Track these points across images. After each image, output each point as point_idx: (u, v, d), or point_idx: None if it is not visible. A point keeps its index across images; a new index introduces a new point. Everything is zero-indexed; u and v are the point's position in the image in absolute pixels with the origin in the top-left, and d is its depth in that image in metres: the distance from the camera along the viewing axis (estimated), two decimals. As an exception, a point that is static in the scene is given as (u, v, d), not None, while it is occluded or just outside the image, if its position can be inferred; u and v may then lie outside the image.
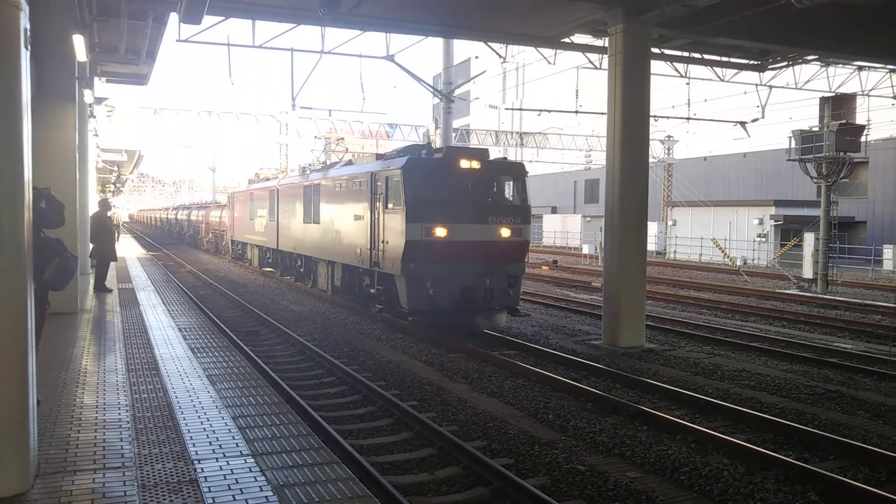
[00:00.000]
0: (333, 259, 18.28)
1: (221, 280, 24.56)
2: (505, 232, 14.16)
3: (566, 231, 53.08)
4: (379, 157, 16.66)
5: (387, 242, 14.30)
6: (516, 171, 15.06)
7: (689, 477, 6.97)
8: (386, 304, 15.41)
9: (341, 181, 17.40)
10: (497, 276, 14.14)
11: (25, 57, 4.67)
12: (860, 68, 23.57)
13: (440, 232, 13.58)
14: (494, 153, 16.08)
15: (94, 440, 5.62)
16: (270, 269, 26.68)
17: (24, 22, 4.64)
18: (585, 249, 43.07)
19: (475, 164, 14.24)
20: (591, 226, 47.41)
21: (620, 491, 6.65)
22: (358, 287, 16.85)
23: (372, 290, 15.72)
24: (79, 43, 11.14)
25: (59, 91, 12.16)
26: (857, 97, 25.84)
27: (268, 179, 28.34)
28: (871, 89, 25.92)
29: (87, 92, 16.71)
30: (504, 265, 14.26)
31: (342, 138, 29.65)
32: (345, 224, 16.94)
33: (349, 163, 19.89)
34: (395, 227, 13.94)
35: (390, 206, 14.24)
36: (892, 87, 25.94)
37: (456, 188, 14.11)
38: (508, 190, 15.00)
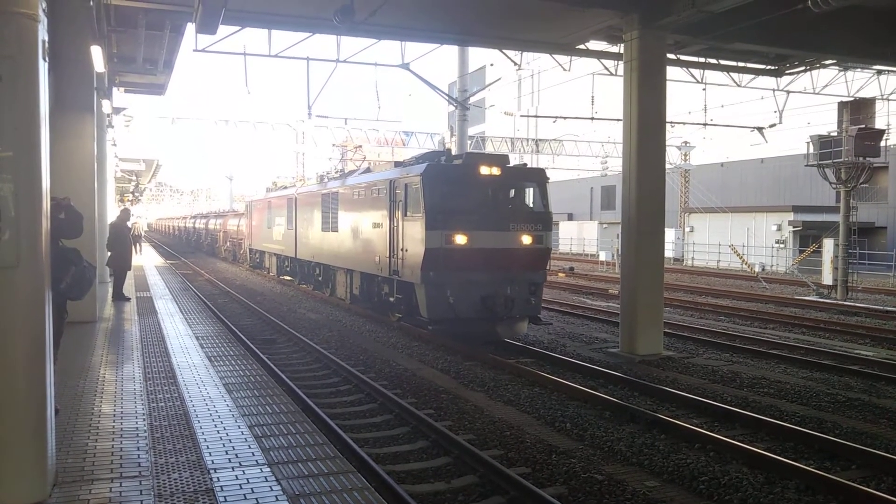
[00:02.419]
0: (352, 267, 18.19)
1: (239, 289, 24.68)
2: (526, 239, 13.98)
3: (582, 238, 52.94)
4: (397, 164, 16.53)
5: (406, 250, 14.16)
6: (537, 177, 14.84)
7: (708, 486, 6.90)
8: (405, 313, 15.28)
9: (360, 189, 17.33)
10: (518, 283, 13.94)
11: (44, 68, 4.71)
12: (879, 72, 23.37)
13: (460, 239, 13.43)
14: (510, 160, 16.01)
15: (111, 449, 5.63)
16: (288, 278, 26.75)
17: (43, 34, 4.67)
18: (602, 256, 42.91)
19: (495, 171, 14.07)
20: (608, 232, 47.23)
21: (638, 500, 6.59)
22: (377, 296, 16.72)
23: (391, 299, 15.57)
24: (97, 54, 11.26)
25: (77, 102, 12.27)
26: (877, 101, 25.59)
27: (285, 188, 28.43)
28: (891, 93, 25.71)
29: (105, 102, 16.88)
30: (525, 273, 14.05)
31: (360, 146, 29.62)
32: (363, 232, 16.86)
33: (367, 170, 19.83)
34: (414, 235, 13.82)
35: (409, 213, 14.11)
36: (912, 90, 25.69)
37: (476, 195, 13.95)
38: (529, 196, 14.81)
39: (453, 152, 22.91)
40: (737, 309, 20.78)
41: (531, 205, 14.74)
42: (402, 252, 14.35)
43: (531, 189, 14.79)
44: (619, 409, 9.49)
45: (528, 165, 18.63)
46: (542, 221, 14.35)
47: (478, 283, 13.61)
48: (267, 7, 13.73)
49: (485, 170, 13.99)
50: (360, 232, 17.17)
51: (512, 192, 14.62)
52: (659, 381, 11.32)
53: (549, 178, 15.05)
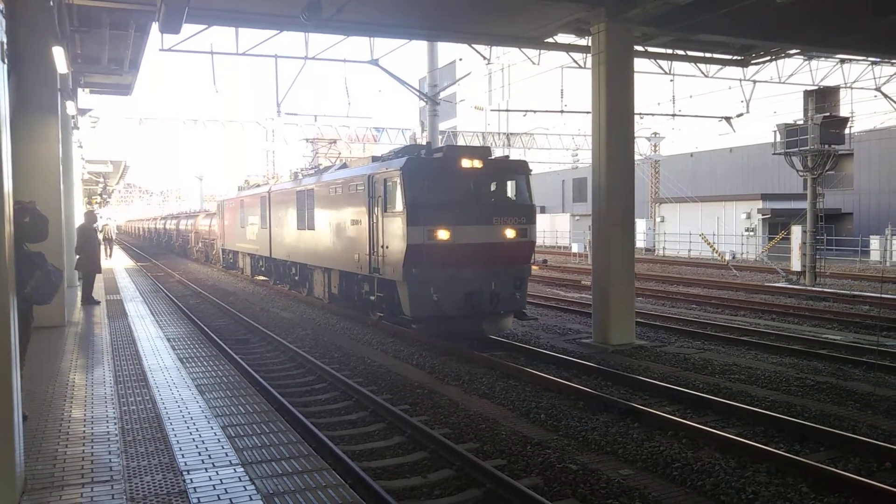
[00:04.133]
0: (330, 266, 17.80)
1: (211, 289, 24.47)
2: (510, 233, 13.68)
3: (555, 230, 53.21)
4: (375, 158, 16.10)
5: (387, 247, 13.80)
6: (520, 169, 14.50)
7: (681, 472, 6.99)
8: (387, 312, 14.96)
9: (336, 185, 16.91)
10: (503, 278, 13.64)
11: (2, 70, 4.64)
12: (842, 61, 23.77)
13: (443, 235, 13.07)
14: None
15: (81, 454, 5.58)
16: (263, 278, 26.52)
17: (1, 35, 4.61)
18: (575, 248, 43.19)
19: (477, 164, 13.68)
20: (580, 224, 47.55)
21: (613, 488, 6.65)
22: (357, 294, 16.35)
23: (372, 298, 15.21)
24: (58, 55, 11.06)
25: (40, 103, 12.07)
26: (841, 90, 26.03)
27: (258, 186, 28.05)
28: (854, 82, 26.14)
29: (69, 104, 16.61)
30: (510, 267, 13.75)
31: (334, 141, 29.12)
32: (341, 229, 16.47)
33: (344, 166, 19.32)
34: (395, 231, 13.46)
35: (389, 209, 13.73)
36: (874, 79, 26.16)
37: (458, 189, 13.57)
38: (512, 189, 14.42)
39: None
40: (708, 297, 21.04)
41: (514, 197, 14.39)
42: (382, 249, 13.98)
43: (514, 181, 14.41)
44: (593, 399, 9.57)
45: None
46: (526, 214, 14.05)
47: (462, 280, 13.27)
48: (233, 5, 13.60)
49: (466, 163, 13.61)
50: (337, 229, 16.79)
51: (494, 185, 14.27)
52: (632, 371, 11.44)
53: (531, 170, 14.73)
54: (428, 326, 13.58)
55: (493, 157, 14.49)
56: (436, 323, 13.48)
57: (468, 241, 13.30)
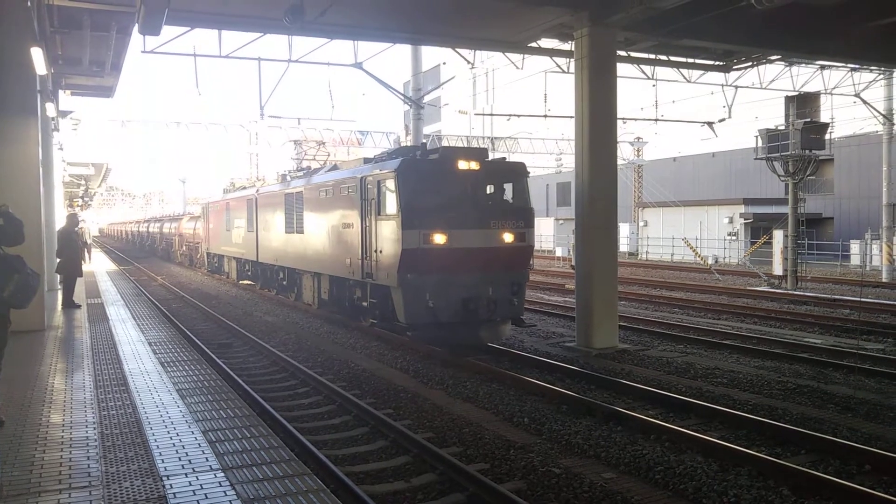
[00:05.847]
0: (320, 271, 17.39)
1: (194, 293, 24.31)
2: (507, 237, 13.31)
3: (539, 234, 53.28)
4: (367, 160, 15.64)
5: (380, 251, 13.41)
6: (517, 171, 14.14)
7: (663, 476, 7.01)
8: (380, 318, 14.55)
9: (327, 188, 16.54)
10: (500, 284, 13.26)
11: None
12: (822, 67, 23.99)
13: (439, 239, 12.63)
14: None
15: (59, 460, 5.50)
16: (249, 282, 26.28)
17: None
18: (559, 252, 43.29)
19: (474, 165, 13.22)
20: (564, 228, 47.61)
21: (596, 492, 6.66)
22: (348, 300, 15.97)
23: (364, 304, 14.86)
24: (37, 56, 10.92)
25: (19, 105, 11.90)
26: (821, 96, 26.24)
27: (244, 188, 27.74)
28: (834, 88, 26.40)
29: (49, 105, 16.45)
30: (507, 272, 13.34)
31: (323, 142, 28.72)
32: (332, 233, 16.09)
33: (334, 167, 18.97)
34: (389, 235, 13.09)
35: (383, 212, 13.36)
36: (854, 85, 26.44)
37: (454, 191, 13.14)
38: (509, 192, 14.04)
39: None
40: (690, 301, 21.14)
41: (511, 200, 13.99)
42: (375, 253, 13.59)
43: (511, 183, 14.02)
44: (576, 403, 9.58)
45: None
46: (524, 218, 13.67)
47: (458, 285, 12.88)
48: (216, 7, 13.54)
49: (463, 164, 13.18)
50: (328, 233, 16.39)
51: (491, 188, 13.89)
52: (615, 374, 11.47)
53: (529, 172, 14.41)
54: (423, 333, 13.17)
55: (490, 159, 14.10)
56: (431, 330, 13.06)
57: (465, 246, 12.93)
